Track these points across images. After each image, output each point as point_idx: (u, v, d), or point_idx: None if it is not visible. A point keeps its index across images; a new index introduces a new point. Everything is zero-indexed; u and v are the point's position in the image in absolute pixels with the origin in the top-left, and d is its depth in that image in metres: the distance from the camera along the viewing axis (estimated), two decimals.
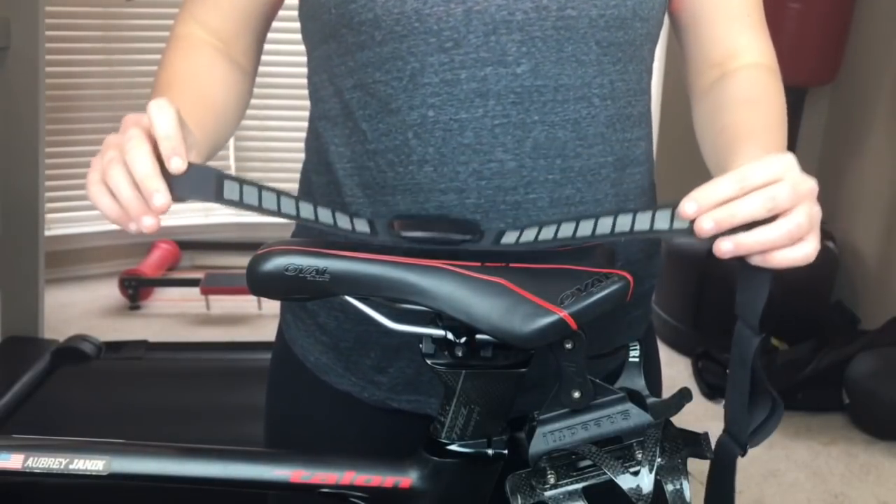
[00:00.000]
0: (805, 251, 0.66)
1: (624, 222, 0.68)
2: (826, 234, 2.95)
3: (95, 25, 3.38)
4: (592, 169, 0.81)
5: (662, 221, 0.66)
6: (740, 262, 0.68)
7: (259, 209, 0.65)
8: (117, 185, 0.64)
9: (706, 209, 0.64)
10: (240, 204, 0.64)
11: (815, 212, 0.66)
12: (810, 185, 0.66)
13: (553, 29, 0.76)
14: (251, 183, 0.65)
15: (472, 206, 0.79)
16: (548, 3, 0.76)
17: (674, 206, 0.66)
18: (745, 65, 0.86)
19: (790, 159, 0.66)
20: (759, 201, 0.64)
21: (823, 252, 2.85)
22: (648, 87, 0.88)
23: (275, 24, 0.92)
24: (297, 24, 0.88)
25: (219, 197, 0.65)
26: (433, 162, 0.79)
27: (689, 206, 0.64)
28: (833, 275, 2.95)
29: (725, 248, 0.65)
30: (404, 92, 0.78)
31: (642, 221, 0.67)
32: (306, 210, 0.68)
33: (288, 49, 2.62)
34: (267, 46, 0.94)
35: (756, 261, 0.66)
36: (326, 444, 0.90)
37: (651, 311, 0.97)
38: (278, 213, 0.67)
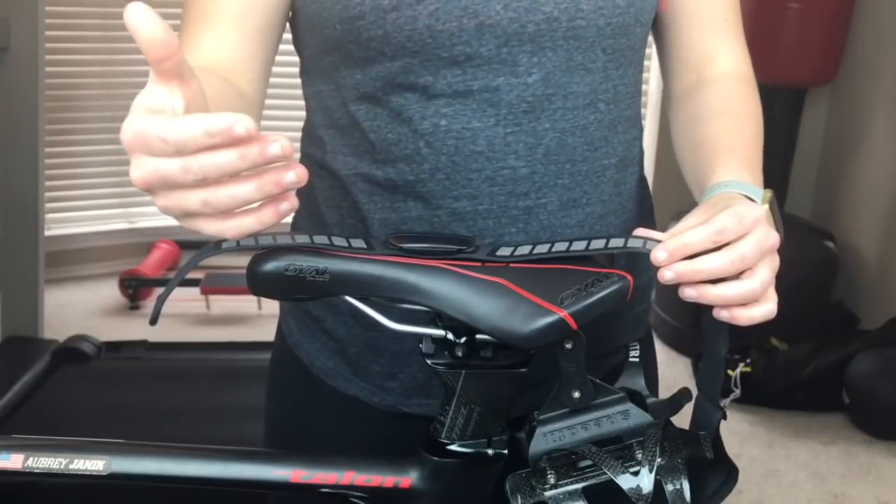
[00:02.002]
0: (767, 310, 0.68)
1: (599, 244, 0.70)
2: (826, 234, 2.95)
3: (95, 25, 3.38)
4: (597, 171, 0.82)
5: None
6: (706, 316, 0.70)
7: (256, 246, 0.66)
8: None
9: (676, 259, 0.66)
10: (237, 248, 0.65)
11: (775, 265, 0.69)
12: (774, 240, 0.68)
13: (563, 39, 0.77)
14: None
15: (485, 211, 0.79)
16: (558, 15, 0.76)
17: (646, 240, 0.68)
18: (720, 74, 0.87)
19: (760, 212, 0.68)
20: (727, 260, 0.66)
21: (823, 252, 2.86)
22: (641, 88, 0.90)
23: None
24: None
25: (218, 249, 0.66)
26: (445, 170, 0.79)
27: (660, 254, 0.66)
28: (833, 275, 2.95)
29: (688, 293, 0.67)
30: (416, 103, 0.77)
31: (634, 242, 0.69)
32: (302, 239, 0.68)
33: (288, 49, 2.62)
34: None
35: (723, 315, 0.68)
36: (333, 449, 0.89)
37: (650, 310, 0.97)
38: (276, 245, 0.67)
